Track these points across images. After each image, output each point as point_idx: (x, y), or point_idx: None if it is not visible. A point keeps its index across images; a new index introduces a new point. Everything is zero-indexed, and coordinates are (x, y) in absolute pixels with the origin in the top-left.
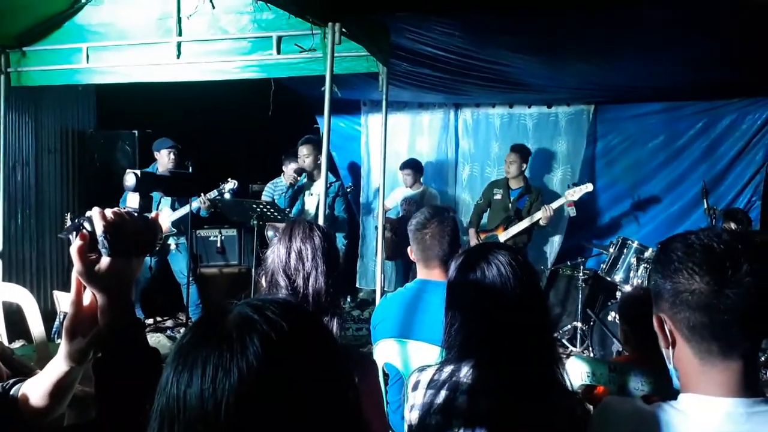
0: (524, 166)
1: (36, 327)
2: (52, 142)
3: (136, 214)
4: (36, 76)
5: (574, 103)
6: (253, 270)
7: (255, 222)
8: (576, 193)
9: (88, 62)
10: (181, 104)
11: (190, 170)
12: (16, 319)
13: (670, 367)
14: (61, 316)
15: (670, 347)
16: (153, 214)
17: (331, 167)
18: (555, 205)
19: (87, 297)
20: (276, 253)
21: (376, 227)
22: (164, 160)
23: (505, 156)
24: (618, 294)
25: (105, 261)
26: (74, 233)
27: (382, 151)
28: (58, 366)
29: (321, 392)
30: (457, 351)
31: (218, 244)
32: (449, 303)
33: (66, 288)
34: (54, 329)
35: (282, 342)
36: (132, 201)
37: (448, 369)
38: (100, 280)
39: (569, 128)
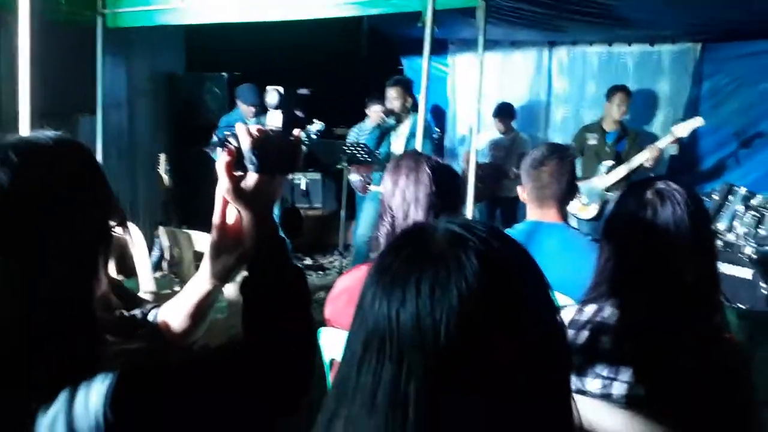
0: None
1: (142, 260)
2: (144, 84)
3: (279, 132)
4: (130, 17)
5: (679, 40)
6: (342, 212)
7: (344, 164)
8: (684, 129)
9: (181, 1)
10: (267, 46)
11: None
12: (119, 257)
13: None
14: (159, 251)
15: None
16: (296, 132)
17: (417, 109)
18: (662, 144)
19: (231, 215)
20: (384, 187)
21: (463, 171)
22: (246, 111)
23: (611, 97)
24: (719, 243)
25: (252, 177)
26: (220, 149)
27: (477, 93)
28: (200, 286)
29: (538, 314)
30: (606, 289)
31: (303, 187)
32: (608, 236)
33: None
34: (152, 264)
35: (497, 259)
36: (274, 119)
37: (590, 309)
38: (247, 197)
39: (673, 68)
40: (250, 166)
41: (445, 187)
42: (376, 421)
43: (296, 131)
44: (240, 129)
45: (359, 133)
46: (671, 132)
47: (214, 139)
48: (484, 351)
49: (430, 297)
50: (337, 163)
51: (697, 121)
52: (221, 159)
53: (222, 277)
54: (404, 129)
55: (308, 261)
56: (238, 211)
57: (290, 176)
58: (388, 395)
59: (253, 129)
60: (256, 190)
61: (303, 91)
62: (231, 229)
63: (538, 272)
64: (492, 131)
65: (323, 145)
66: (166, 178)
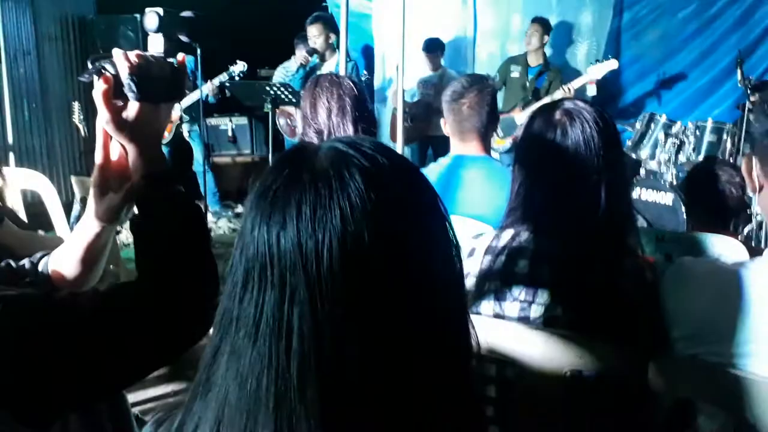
0: (546, 38)
1: (56, 214)
2: (52, 29)
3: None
4: None
5: None
6: (271, 158)
7: (269, 107)
8: (599, 70)
9: None
10: None
11: (198, 53)
12: (36, 210)
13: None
14: (79, 204)
15: (757, 193)
16: (180, 57)
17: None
18: (576, 84)
19: (114, 150)
20: (303, 105)
21: (394, 110)
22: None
23: (529, 28)
24: (642, 171)
25: (133, 106)
26: (96, 77)
27: (401, 29)
28: (88, 228)
29: (428, 234)
30: (521, 214)
31: (229, 133)
32: (520, 159)
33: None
34: (72, 219)
35: (383, 176)
36: (155, 44)
37: (507, 234)
38: (129, 128)
39: None
40: (129, 94)
41: (364, 98)
42: (260, 350)
43: (180, 56)
44: (117, 54)
45: (286, 74)
46: (587, 73)
47: (89, 66)
48: (370, 274)
49: (312, 218)
50: (261, 105)
51: (611, 64)
52: (97, 87)
53: (108, 217)
54: (329, 68)
55: (239, 209)
56: (122, 146)
57: (215, 122)
58: (271, 323)
59: (132, 54)
60: (138, 121)
61: (186, 13)
62: (115, 165)
63: (430, 191)
64: (423, 69)
65: (245, 86)
66: (81, 127)
